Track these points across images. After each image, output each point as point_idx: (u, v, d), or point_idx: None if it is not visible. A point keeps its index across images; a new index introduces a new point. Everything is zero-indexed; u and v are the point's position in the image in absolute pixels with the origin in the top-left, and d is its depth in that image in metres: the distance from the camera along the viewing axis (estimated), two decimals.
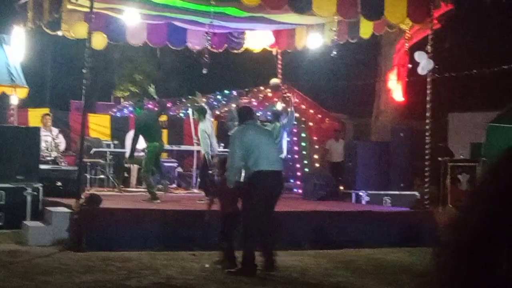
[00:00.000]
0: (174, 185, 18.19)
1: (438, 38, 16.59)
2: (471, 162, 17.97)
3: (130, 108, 22.32)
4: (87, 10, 13.27)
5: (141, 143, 15.23)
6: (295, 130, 21.00)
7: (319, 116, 21.76)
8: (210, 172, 15.63)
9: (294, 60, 22.16)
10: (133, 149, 14.84)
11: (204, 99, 17.23)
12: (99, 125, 19.49)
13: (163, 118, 20.29)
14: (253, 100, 21.32)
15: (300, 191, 18.87)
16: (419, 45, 16.26)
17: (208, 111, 15.78)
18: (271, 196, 10.09)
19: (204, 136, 15.20)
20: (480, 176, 1.55)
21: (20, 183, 13.67)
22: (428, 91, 14.66)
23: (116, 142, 18.38)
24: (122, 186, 17.01)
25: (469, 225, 1.39)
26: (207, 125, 15.30)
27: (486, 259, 1.34)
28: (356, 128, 24.77)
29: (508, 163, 1.44)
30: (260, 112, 19.43)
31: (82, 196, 12.39)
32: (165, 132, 18.70)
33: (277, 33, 18.49)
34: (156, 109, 16.48)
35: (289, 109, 15.66)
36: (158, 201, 14.10)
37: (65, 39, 17.43)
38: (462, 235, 1.42)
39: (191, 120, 18.90)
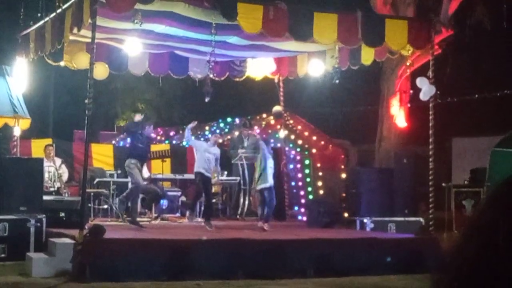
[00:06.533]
0: (178, 214, 18.15)
1: (440, 64, 16.64)
2: (475, 187, 17.94)
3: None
4: (89, 40, 13.32)
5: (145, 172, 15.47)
6: (298, 157, 20.98)
7: (322, 142, 21.74)
8: (214, 200, 15.65)
9: (296, 87, 22.20)
10: None
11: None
12: (102, 155, 19.48)
13: (165, 147, 20.31)
14: (255, 127, 21.32)
15: (304, 218, 18.81)
16: (421, 71, 16.29)
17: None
18: None
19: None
20: (480, 203, 1.53)
21: (23, 215, 13.65)
22: (430, 117, 14.66)
23: (119, 171, 18.35)
24: (126, 216, 16.94)
25: (468, 254, 1.38)
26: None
27: None
28: (360, 154, 24.76)
29: (507, 192, 1.42)
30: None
31: (86, 227, 12.35)
32: (168, 161, 18.68)
33: (278, 61, 18.54)
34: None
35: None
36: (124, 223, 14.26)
37: (67, 69, 17.49)
38: (462, 263, 1.40)
39: (194, 149, 18.89)
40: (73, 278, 11.30)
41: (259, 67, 18.64)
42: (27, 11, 16.45)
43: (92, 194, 16.80)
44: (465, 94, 20.74)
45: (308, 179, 21.02)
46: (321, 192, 20.48)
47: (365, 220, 15.97)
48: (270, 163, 15.42)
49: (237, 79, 18.99)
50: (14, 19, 17.85)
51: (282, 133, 19.93)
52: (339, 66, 15.74)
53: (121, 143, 22.95)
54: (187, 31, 14.84)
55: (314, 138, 21.76)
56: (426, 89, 14.61)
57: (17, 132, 16.29)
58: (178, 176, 18.60)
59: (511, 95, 18.97)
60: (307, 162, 21.05)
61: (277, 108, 19.40)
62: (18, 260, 12.79)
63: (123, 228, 14.63)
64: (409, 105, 19.36)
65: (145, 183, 15.55)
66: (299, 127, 21.76)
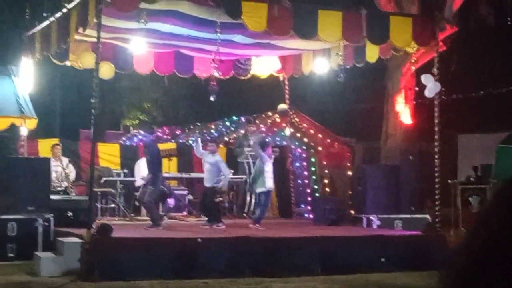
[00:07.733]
0: (185, 213, 18.17)
1: (444, 60, 16.63)
2: (481, 184, 17.93)
3: (140, 137, 22.35)
4: (94, 40, 13.37)
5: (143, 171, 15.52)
6: (304, 155, 20.97)
7: (328, 140, 21.74)
8: (220, 198, 15.63)
9: (301, 85, 22.20)
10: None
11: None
12: (108, 154, 19.50)
13: (172, 145, 20.33)
14: (261, 126, 21.32)
15: (310, 216, 18.83)
16: (426, 68, 16.28)
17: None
18: None
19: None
20: (486, 200, 1.56)
21: (31, 214, 13.71)
22: (436, 114, 14.66)
23: (126, 171, 18.39)
24: (133, 215, 17.00)
25: (475, 251, 1.41)
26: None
27: (486, 286, 1.35)
28: (366, 151, 24.73)
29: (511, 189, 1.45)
30: (269, 138, 19.41)
31: (93, 226, 12.39)
32: (174, 160, 18.70)
33: (283, 59, 18.55)
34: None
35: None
36: (160, 228, 14.17)
37: (73, 69, 17.54)
38: (468, 260, 1.43)
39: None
40: (81, 277, 11.34)
41: (264, 65, 18.66)
42: (32, 11, 16.48)
43: (99, 193, 16.83)
44: (471, 91, 20.68)
45: (314, 177, 21.03)
46: (327, 189, 20.48)
47: (371, 218, 15.98)
48: (268, 166, 15.43)
49: (242, 78, 19.01)
50: (19, 19, 17.90)
51: (288, 131, 19.94)
52: (344, 63, 15.75)
53: (127, 143, 22.99)
54: (192, 30, 14.88)
55: (320, 135, 21.75)
56: (431, 86, 14.62)
57: (24, 132, 16.33)
58: (184, 175, 18.63)
59: None
60: (313, 160, 21.06)
61: (282, 106, 19.44)
62: (26, 260, 12.85)
63: (131, 227, 14.68)
64: (414, 102, 19.36)
65: (143, 182, 15.46)
66: (305, 125, 21.75)
